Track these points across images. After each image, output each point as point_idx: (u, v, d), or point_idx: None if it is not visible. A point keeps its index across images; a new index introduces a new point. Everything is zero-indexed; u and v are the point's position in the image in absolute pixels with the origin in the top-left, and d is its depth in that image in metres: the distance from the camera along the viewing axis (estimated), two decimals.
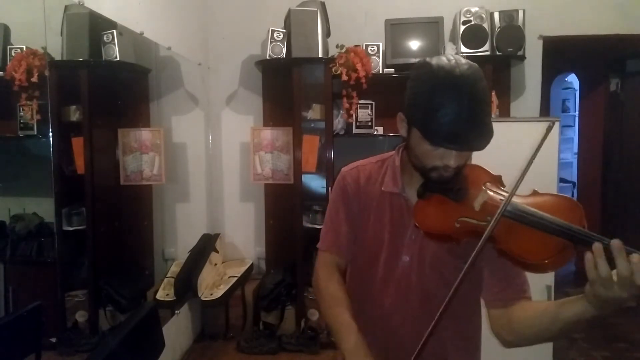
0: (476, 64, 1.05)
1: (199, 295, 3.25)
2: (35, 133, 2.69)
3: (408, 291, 1.18)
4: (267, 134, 3.63)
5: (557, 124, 2.66)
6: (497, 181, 1.09)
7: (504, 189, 1.08)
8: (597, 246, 0.84)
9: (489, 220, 1.01)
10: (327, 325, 1.21)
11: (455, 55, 1.06)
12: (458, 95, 0.99)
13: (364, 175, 1.27)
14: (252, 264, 3.78)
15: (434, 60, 1.05)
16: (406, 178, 1.20)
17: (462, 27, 3.31)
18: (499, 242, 1.01)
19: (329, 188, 3.40)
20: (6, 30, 2.68)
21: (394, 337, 1.21)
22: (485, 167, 1.13)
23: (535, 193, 1.05)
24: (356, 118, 3.41)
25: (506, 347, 1.10)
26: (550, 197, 1.03)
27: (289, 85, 3.40)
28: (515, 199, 1.02)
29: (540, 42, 3.59)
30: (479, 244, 0.98)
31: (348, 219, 1.27)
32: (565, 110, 6.63)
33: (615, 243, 0.82)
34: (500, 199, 1.02)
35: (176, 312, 3.19)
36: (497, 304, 1.13)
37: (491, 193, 1.06)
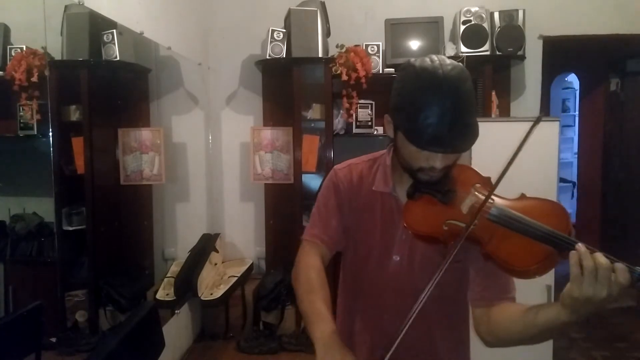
0: (461, 65, 1.03)
1: (199, 295, 3.25)
2: (35, 133, 2.69)
3: (399, 290, 1.18)
4: (267, 133, 3.63)
5: (556, 124, 2.67)
6: (487, 183, 1.08)
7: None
8: (580, 245, 0.86)
9: (476, 224, 1.00)
10: (301, 311, 1.14)
11: (440, 56, 1.05)
12: (440, 97, 0.98)
13: (356, 174, 1.26)
14: (252, 264, 3.78)
15: (418, 62, 1.04)
16: (397, 177, 1.20)
17: (462, 27, 3.31)
18: (484, 245, 1.00)
19: None
20: (6, 30, 2.68)
21: (386, 336, 1.22)
22: (474, 168, 1.12)
23: (522, 197, 1.04)
24: (356, 118, 3.41)
25: (487, 347, 1.10)
26: (537, 201, 1.02)
27: (289, 85, 3.40)
28: (502, 203, 1.02)
29: (540, 42, 3.59)
30: (457, 242, 0.99)
31: (338, 214, 1.25)
32: (565, 110, 6.63)
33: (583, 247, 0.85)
34: (489, 202, 1.02)
35: (176, 312, 3.19)
36: (480, 303, 1.13)
37: (480, 196, 1.05)
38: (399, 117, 1.06)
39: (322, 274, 1.19)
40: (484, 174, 1.12)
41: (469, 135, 1.02)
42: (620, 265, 0.82)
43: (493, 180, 1.08)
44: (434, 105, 0.98)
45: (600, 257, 0.83)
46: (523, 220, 0.96)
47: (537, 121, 0.96)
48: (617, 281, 0.82)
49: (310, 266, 1.20)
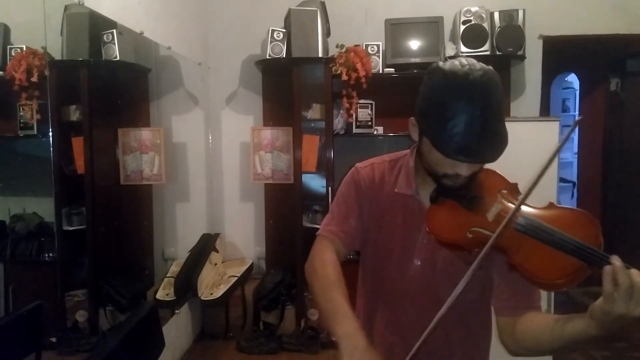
0: (491, 69, 1.00)
1: (199, 295, 3.25)
2: (35, 133, 2.69)
3: (420, 294, 1.16)
4: (267, 133, 3.63)
5: (556, 124, 2.67)
6: (514, 190, 1.04)
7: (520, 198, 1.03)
8: (616, 259, 0.82)
9: (504, 233, 0.97)
10: (320, 308, 1.10)
11: (470, 59, 1.01)
12: (470, 104, 0.95)
13: (378, 174, 1.23)
14: (252, 264, 3.78)
15: (447, 66, 1.00)
16: (420, 180, 1.17)
17: (462, 27, 3.31)
18: (511, 257, 0.97)
19: (329, 188, 3.40)
20: (6, 30, 2.68)
21: (405, 339, 1.20)
22: (501, 173, 1.08)
23: (551, 206, 1.00)
24: (356, 118, 3.41)
25: (512, 356, 1.08)
26: (566, 211, 0.98)
27: (289, 85, 3.40)
28: (530, 211, 0.98)
29: (540, 42, 3.59)
30: (482, 252, 0.95)
31: (357, 213, 1.22)
32: (565, 110, 6.62)
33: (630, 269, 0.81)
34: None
35: (176, 312, 3.19)
36: (505, 312, 1.10)
37: (506, 203, 1.01)
38: (426, 123, 1.03)
39: (339, 269, 1.15)
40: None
41: (499, 145, 0.99)
42: None
43: (520, 187, 1.05)
44: (463, 113, 0.95)
45: (637, 276, 0.79)
46: (552, 231, 0.92)
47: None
48: None
49: (327, 261, 1.16)
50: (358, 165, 1.28)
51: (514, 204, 1.00)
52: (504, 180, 1.07)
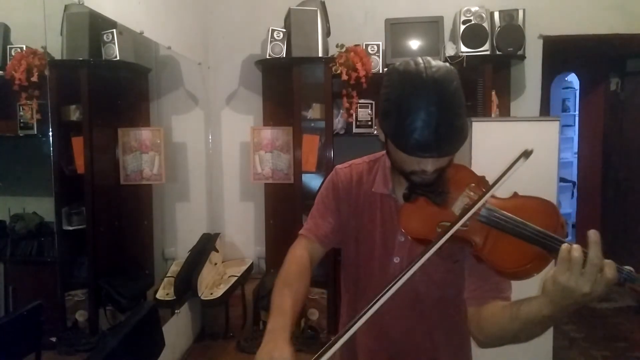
0: (448, 65, 1.02)
1: (199, 295, 3.25)
2: (35, 132, 2.70)
3: (399, 292, 1.17)
4: (267, 133, 3.63)
5: (556, 123, 2.67)
6: (481, 182, 1.07)
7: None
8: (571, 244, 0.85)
9: (468, 225, 0.99)
10: (271, 300, 1.17)
11: (427, 57, 1.03)
12: (424, 101, 0.97)
13: (356, 174, 1.27)
14: (252, 264, 3.78)
15: (402, 66, 1.03)
16: (396, 179, 1.19)
17: (462, 27, 3.31)
18: (475, 247, 1.00)
19: None
20: (6, 30, 2.69)
21: (386, 337, 1.22)
22: (469, 168, 1.11)
23: (515, 195, 1.03)
24: (356, 117, 3.41)
25: (480, 347, 1.10)
26: (528, 200, 1.01)
27: (289, 85, 3.40)
28: (493, 202, 1.01)
29: (540, 42, 3.58)
30: (439, 241, 0.97)
31: (335, 212, 1.27)
32: (565, 110, 6.62)
33: (592, 234, 0.82)
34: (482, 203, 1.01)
35: (176, 311, 3.19)
36: (473, 302, 1.12)
37: (472, 195, 1.04)
38: (386, 123, 1.05)
39: (302, 267, 1.22)
40: (483, 173, 1.10)
41: (456, 138, 1.01)
42: (608, 262, 0.81)
43: (488, 179, 1.07)
44: (419, 110, 0.97)
45: (591, 253, 0.81)
46: (512, 220, 0.95)
47: (523, 155, 0.98)
48: (604, 278, 0.80)
49: (294, 258, 1.24)
50: (337, 166, 1.32)
51: (479, 195, 1.03)
52: (472, 175, 1.10)
